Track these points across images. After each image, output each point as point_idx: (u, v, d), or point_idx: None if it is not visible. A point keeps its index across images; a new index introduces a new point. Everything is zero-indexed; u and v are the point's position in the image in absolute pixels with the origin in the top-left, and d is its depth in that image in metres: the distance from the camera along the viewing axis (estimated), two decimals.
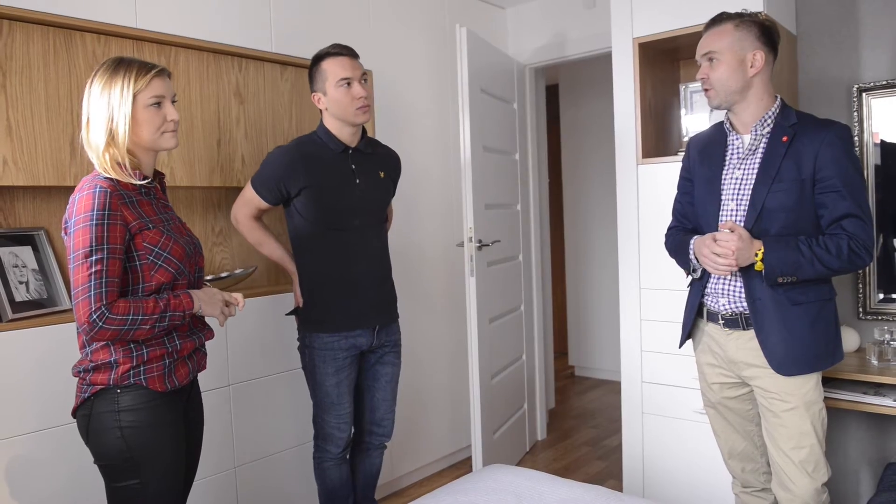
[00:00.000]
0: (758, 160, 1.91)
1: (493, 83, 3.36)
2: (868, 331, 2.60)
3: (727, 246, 1.82)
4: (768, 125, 1.91)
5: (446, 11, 3.58)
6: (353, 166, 2.34)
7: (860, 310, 2.65)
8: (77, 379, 1.67)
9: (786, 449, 1.93)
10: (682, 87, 2.74)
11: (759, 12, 1.94)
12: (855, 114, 2.63)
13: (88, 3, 2.21)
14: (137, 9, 2.33)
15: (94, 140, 1.63)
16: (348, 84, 2.26)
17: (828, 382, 2.39)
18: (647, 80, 2.73)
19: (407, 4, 3.36)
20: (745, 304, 1.94)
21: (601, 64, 4.02)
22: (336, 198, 2.30)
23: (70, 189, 2.29)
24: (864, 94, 2.62)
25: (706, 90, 1.95)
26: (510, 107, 3.64)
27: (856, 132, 2.63)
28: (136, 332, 1.59)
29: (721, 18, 1.93)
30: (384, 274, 2.44)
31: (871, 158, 2.61)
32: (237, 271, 2.69)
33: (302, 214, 2.31)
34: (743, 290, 1.93)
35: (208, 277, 2.60)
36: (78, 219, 1.54)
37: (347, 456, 2.48)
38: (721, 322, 2.00)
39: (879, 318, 2.61)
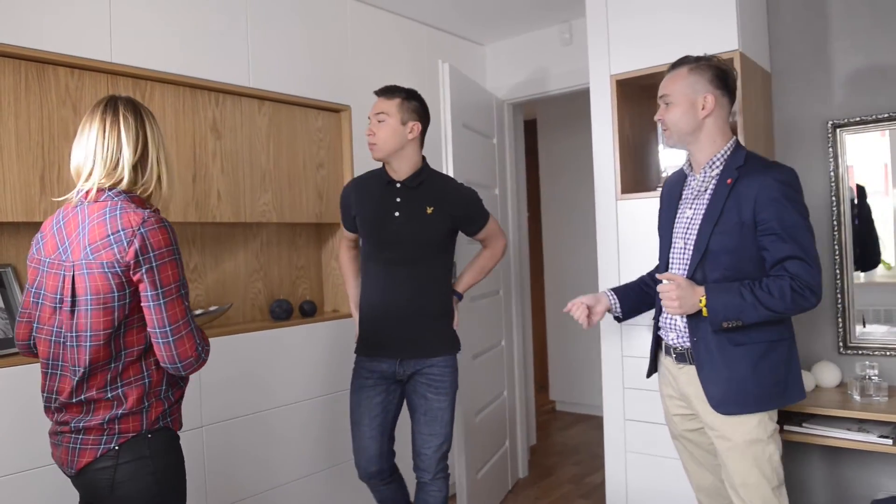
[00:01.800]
0: (706, 201, 1.96)
1: (474, 118, 3.37)
2: (849, 366, 2.59)
3: (669, 295, 1.88)
4: (717, 167, 1.96)
5: (425, 47, 3.60)
6: (398, 199, 2.37)
7: (840, 344, 2.65)
8: (84, 432, 1.53)
9: (734, 485, 1.93)
10: (659, 123, 2.75)
11: (715, 56, 2.02)
12: (830, 149, 2.65)
13: (62, 36, 2.18)
14: (112, 43, 2.30)
15: (156, 171, 1.62)
16: (370, 122, 2.40)
17: (810, 419, 2.38)
18: (625, 116, 2.74)
19: (386, 40, 3.37)
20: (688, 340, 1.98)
21: (578, 99, 4.04)
22: (372, 229, 2.39)
23: (39, 225, 2.24)
24: (838, 131, 2.65)
25: (664, 130, 2.04)
26: (490, 142, 3.65)
27: (831, 168, 2.65)
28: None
29: (679, 63, 2.01)
30: (414, 309, 2.36)
31: (847, 193, 2.64)
32: (212, 308, 2.63)
33: (361, 242, 2.50)
34: (687, 326, 1.98)
35: None
36: (161, 252, 1.50)
37: (381, 486, 2.47)
38: (673, 355, 2.05)
39: (860, 352, 2.61)
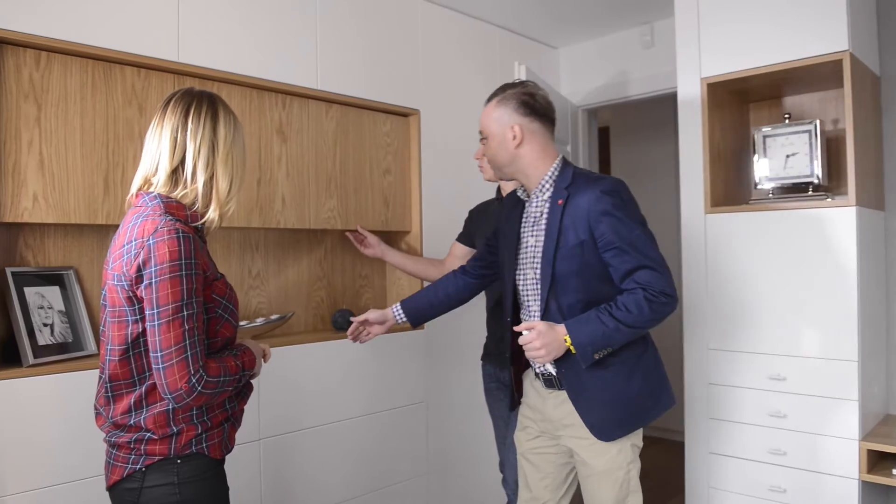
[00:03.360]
0: (543, 226, 1.88)
1: None
2: None
3: (532, 346, 1.76)
4: (547, 190, 1.89)
5: (497, 50, 3.46)
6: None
7: None
8: (116, 448, 1.45)
9: None
10: (753, 131, 2.53)
11: (524, 82, 1.94)
12: None
13: (129, 35, 2.12)
14: (180, 42, 2.24)
15: (204, 174, 1.47)
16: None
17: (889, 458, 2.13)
18: (716, 122, 2.53)
19: (457, 42, 3.24)
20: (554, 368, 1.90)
21: (655, 107, 3.84)
22: (480, 242, 2.46)
23: (102, 227, 2.20)
24: None
25: (480, 167, 2.00)
26: (564, 149, 3.47)
27: None
28: (221, 395, 1.43)
29: (490, 97, 1.95)
30: (510, 321, 2.33)
31: None
32: (273, 317, 2.55)
33: None
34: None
35: (243, 323, 2.46)
36: (162, 267, 1.33)
37: None
38: (541, 380, 1.95)
39: None
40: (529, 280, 1.91)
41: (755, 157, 2.53)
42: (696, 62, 2.51)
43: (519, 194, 1.99)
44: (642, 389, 1.84)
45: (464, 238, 2.66)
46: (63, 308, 2.09)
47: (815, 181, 2.41)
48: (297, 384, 2.47)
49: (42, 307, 2.03)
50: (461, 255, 2.62)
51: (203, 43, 2.30)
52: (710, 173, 2.48)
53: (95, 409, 1.52)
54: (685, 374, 2.55)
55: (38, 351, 1.96)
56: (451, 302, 2.23)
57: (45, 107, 1.99)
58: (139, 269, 1.36)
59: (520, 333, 1.81)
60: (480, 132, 1.96)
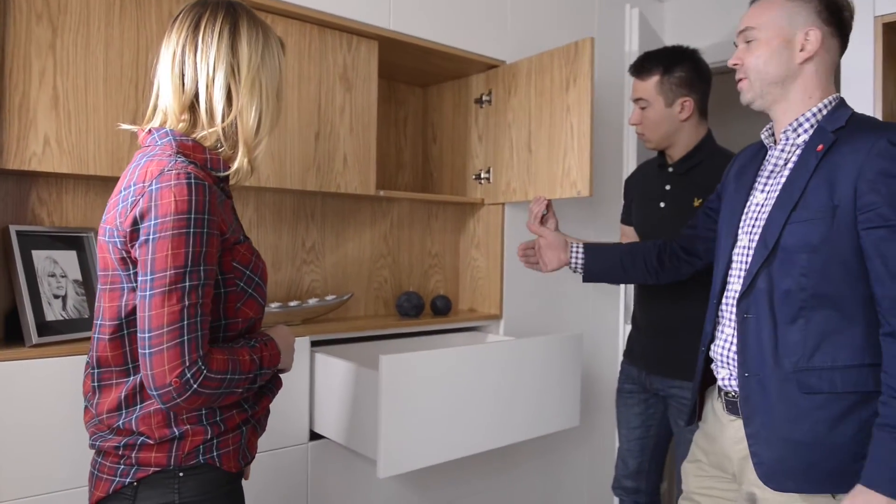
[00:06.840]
0: (783, 179, 1.38)
1: None
2: None
3: None
4: (806, 130, 1.38)
5: (596, 2, 2.96)
6: (667, 187, 2.03)
7: None
8: (102, 455, 1.14)
9: None
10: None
11: None
12: None
13: None
14: None
15: (224, 107, 1.15)
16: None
17: None
18: (890, 77, 2.01)
19: None
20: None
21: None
22: (637, 221, 2.16)
23: None
24: None
25: (739, 80, 1.45)
26: None
27: None
28: (226, 397, 1.10)
29: None
30: (659, 318, 2.04)
31: None
32: (328, 298, 2.16)
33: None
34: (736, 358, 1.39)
35: (292, 303, 2.08)
36: (164, 221, 1.03)
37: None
38: (723, 401, 1.47)
39: None
40: (741, 248, 1.43)
41: None
42: None
43: (763, 138, 1.49)
44: (851, 443, 1.27)
45: (626, 216, 2.26)
46: (80, 277, 1.74)
47: None
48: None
49: (53, 275, 1.69)
50: (631, 237, 2.23)
51: None
52: None
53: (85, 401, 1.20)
54: None
55: (45, 328, 1.61)
56: (646, 272, 1.78)
57: (61, 31, 1.63)
58: (135, 222, 1.04)
59: (719, 327, 1.42)
60: (747, 30, 1.42)
